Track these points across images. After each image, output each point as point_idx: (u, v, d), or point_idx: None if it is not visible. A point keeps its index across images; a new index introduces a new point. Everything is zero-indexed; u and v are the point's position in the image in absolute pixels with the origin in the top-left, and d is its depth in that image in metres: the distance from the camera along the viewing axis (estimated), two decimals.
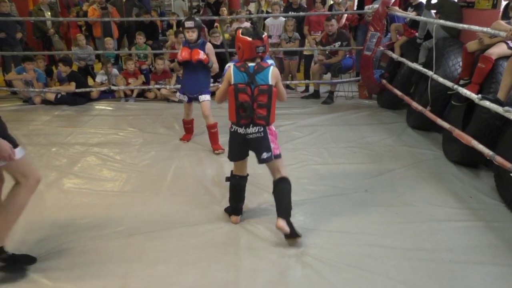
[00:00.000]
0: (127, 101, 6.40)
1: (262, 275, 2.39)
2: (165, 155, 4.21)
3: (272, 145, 2.65)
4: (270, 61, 2.85)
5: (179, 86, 6.23)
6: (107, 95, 6.49)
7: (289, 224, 2.62)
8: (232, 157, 2.80)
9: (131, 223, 2.95)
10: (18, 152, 2.24)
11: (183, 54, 4.06)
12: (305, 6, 7.48)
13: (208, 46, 4.18)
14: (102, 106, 6.16)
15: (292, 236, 2.63)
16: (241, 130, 2.65)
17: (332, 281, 2.35)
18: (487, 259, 2.54)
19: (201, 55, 4.01)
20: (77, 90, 6.12)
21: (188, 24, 4.02)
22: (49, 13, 7.87)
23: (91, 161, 4.09)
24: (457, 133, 3.64)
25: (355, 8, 8.42)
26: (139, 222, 2.96)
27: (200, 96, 4.26)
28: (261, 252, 2.60)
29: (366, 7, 6.23)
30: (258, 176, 3.44)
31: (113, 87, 6.31)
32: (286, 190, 2.69)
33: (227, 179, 2.93)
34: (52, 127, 5.17)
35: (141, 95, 6.55)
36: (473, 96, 3.51)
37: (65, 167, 3.92)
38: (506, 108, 3.05)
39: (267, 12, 8.06)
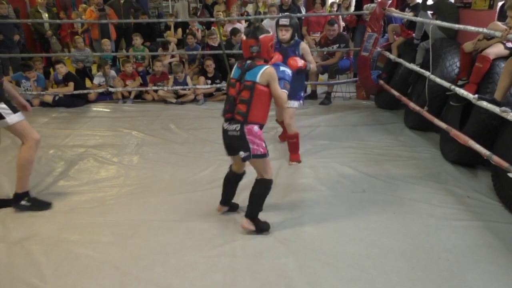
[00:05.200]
0: (125, 102, 6.39)
1: (260, 277, 2.39)
2: (163, 157, 4.21)
3: (251, 145, 2.58)
4: (282, 68, 2.84)
5: (176, 87, 6.26)
6: (105, 97, 6.49)
7: (255, 222, 2.76)
8: (225, 150, 2.82)
9: (128, 225, 2.95)
10: (18, 117, 2.93)
11: (275, 58, 3.34)
12: (296, 6, 7.48)
13: (303, 46, 3.82)
14: (99, 108, 6.16)
15: (259, 232, 2.78)
16: (225, 125, 2.66)
17: (331, 282, 2.34)
18: (485, 258, 2.54)
19: (299, 62, 3.52)
20: (75, 92, 6.12)
21: (283, 21, 3.70)
22: (47, 15, 7.87)
23: (88, 163, 4.09)
24: (454, 133, 3.65)
25: (352, 9, 8.43)
26: (137, 224, 2.96)
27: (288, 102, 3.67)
28: (258, 253, 2.60)
29: (364, 7, 6.24)
30: None
31: (110, 89, 6.31)
32: (257, 192, 2.72)
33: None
34: (49, 129, 5.16)
35: (139, 96, 6.55)
36: (470, 96, 3.52)
37: (62, 169, 3.92)
38: (503, 108, 3.06)
39: (264, 14, 8.07)
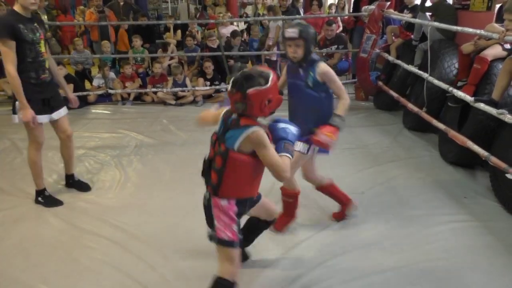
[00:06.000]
0: (124, 104, 6.40)
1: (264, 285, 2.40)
2: (162, 158, 4.22)
3: (216, 223, 1.96)
4: (283, 125, 1.97)
5: (176, 89, 6.27)
6: (104, 98, 6.50)
7: None
8: None
9: (128, 226, 2.95)
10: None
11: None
12: (294, 8, 7.50)
13: (322, 68, 2.53)
14: (99, 110, 6.17)
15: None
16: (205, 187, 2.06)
17: (329, 282, 2.35)
18: (483, 258, 2.56)
19: (328, 141, 2.44)
20: (74, 94, 6.11)
21: (290, 33, 2.47)
22: (46, 17, 7.88)
23: (88, 165, 4.09)
24: (453, 134, 3.67)
25: (350, 10, 8.46)
26: (137, 225, 2.97)
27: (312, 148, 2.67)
28: (260, 264, 2.59)
29: (363, 8, 6.26)
30: None
31: (110, 91, 6.32)
32: None
33: None
34: (49, 131, 5.12)
35: (138, 98, 6.56)
36: (468, 98, 3.53)
37: (62, 171, 3.92)
38: (500, 110, 3.08)
39: (264, 15, 8.09)
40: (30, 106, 2.97)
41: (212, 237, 2.00)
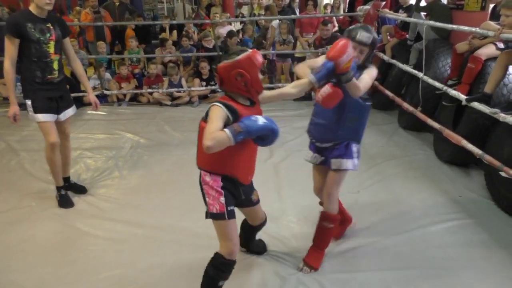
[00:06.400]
0: (120, 105, 6.39)
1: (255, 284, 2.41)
2: (158, 159, 4.22)
3: (206, 198, 2.03)
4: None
5: (171, 90, 6.27)
6: (100, 99, 6.45)
7: None
8: None
9: (125, 227, 2.96)
10: (38, 117, 3.06)
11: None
12: (290, 8, 7.52)
13: (373, 75, 2.32)
14: (94, 111, 6.12)
15: None
16: None
17: (321, 281, 2.37)
18: (478, 256, 2.59)
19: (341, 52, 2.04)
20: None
21: (362, 37, 2.25)
22: None
23: (84, 166, 4.09)
24: (447, 133, 3.69)
25: (345, 10, 8.48)
26: (133, 226, 2.97)
27: (331, 161, 2.44)
28: (258, 264, 2.61)
29: (358, 8, 6.28)
30: None
31: (105, 92, 6.31)
32: (206, 273, 2.09)
33: None
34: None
35: (134, 99, 6.55)
36: (462, 97, 3.56)
37: None
38: (493, 110, 3.10)
39: (259, 15, 8.10)
40: (34, 104, 3.03)
41: (206, 214, 2.05)
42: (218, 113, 1.88)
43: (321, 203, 2.65)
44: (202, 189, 2.07)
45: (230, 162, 1.97)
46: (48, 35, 3.00)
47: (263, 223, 2.44)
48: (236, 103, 1.94)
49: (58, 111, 3.19)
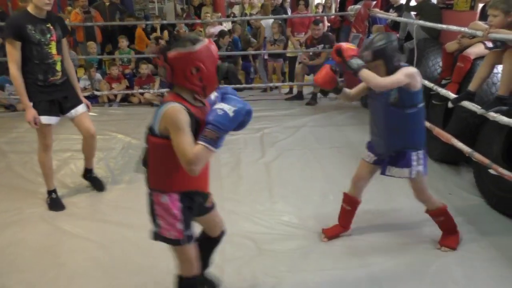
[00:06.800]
0: (111, 106, 6.35)
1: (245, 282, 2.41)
2: None
3: (158, 221, 1.76)
4: (223, 105, 1.59)
5: (163, 90, 6.24)
6: (91, 100, 6.33)
7: None
8: None
9: (116, 229, 2.94)
10: (42, 119, 2.99)
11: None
12: (282, 8, 7.54)
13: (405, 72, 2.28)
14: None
15: None
16: None
17: (316, 280, 2.37)
18: (469, 253, 2.61)
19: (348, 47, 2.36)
20: None
21: (364, 56, 2.35)
22: None
23: (74, 167, 4.06)
24: (437, 131, 3.71)
25: (337, 9, 8.51)
26: (124, 227, 2.95)
27: (388, 168, 2.54)
28: (248, 263, 2.61)
29: (349, 8, 6.31)
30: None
31: (96, 92, 6.26)
32: None
33: None
34: (34, 134, 5.01)
35: (125, 99, 6.52)
36: (451, 95, 3.58)
37: (55, 173, 3.88)
38: (483, 110, 3.13)
39: (251, 15, 8.10)
40: (36, 108, 2.98)
41: (156, 235, 1.78)
42: (183, 117, 1.56)
43: (345, 194, 2.79)
44: (152, 209, 1.77)
45: (189, 175, 1.62)
46: (48, 35, 2.95)
47: (222, 233, 2.07)
48: (188, 104, 1.63)
49: (63, 112, 3.16)
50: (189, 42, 1.58)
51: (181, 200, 1.73)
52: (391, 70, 2.30)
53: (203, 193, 1.85)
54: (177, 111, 1.57)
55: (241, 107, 1.58)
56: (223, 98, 1.64)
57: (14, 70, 2.86)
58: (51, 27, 2.98)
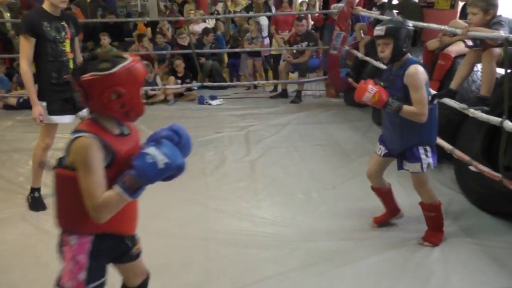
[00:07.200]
0: None
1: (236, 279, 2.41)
2: None
3: (63, 263, 1.51)
4: (153, 151, 1.36)
5: (146, 88, 6.16)
6: None
7: None
8: None
9: None
10: (48, 118, 2.99)
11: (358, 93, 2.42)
12: (266, 5, 7.55)
13: (411, 72, 2.36)
14: None
15: None
16: None
17: (301, 277, 2.39)
18: (450, 248, 2.65)
19: (385, 96, 2.35)
20: None
21: (377, 31, 2.40)
22: (9, 14, 7.61)
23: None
24: None
25: (320, 8, 8.54)
26: None
27: (404, 163, 2.59)
28: (234, 263, 2.61)
29: (332, 6, 6.35)
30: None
31: None
32: None
33: None
34: (14, 132, 5.01)
35: None
36: (432, 92, 3.64)
37: (29, 174, 3.80)
38: (463, 105, 3.19)
39: (234, 12, 8.08)
40: (50, 106, 2.97)
41: (57, 283, 1.50)
42: (93, 154, 1.34)
43: (372, 188, 2.84)
44: (60, 249, 1.52)
45: (123, 215, 1.46)
46: (63, 33, 2.94)
47: (145, 281, 1.78)
48: (106, 133, 1.40)
49: (76, 110, 3.12)
50: (106, 63, 1.36)
51: (94, 243, 1.47)
52: (397, 53, 2.37)
53: (131, 236, 1.62)
54: (87, 146, 1.34)
55: (173, 161, 1.35)
56: (158, 142, 1.39)
57: (25, 65, 2.86)
58: (66, 25, 2.97)
